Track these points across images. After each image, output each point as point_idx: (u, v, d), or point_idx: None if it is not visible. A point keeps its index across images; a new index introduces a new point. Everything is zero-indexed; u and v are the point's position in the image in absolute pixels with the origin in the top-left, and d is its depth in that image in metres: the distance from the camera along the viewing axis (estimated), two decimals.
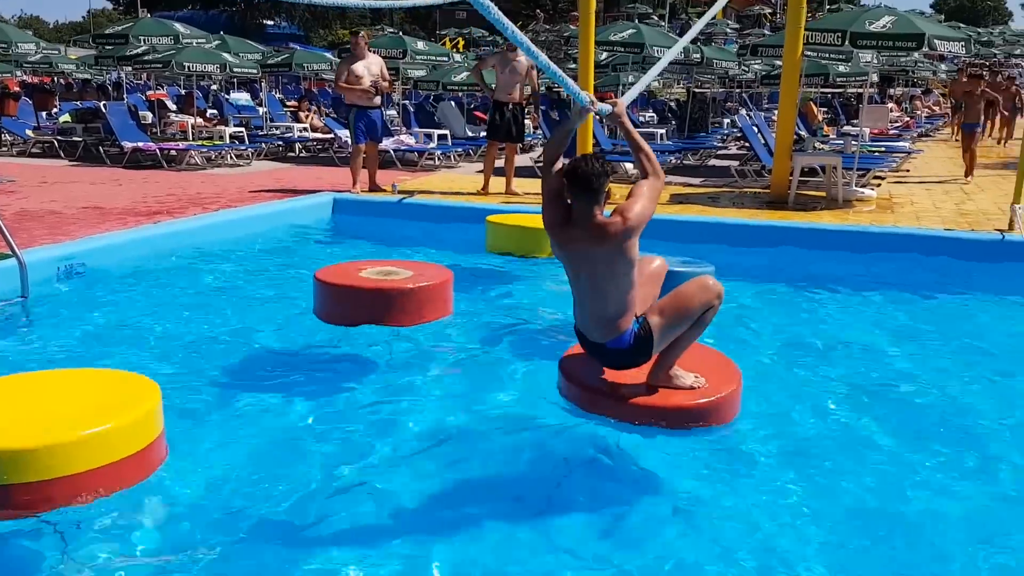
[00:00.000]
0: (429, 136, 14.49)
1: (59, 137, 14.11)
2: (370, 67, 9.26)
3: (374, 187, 9.55)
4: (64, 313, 5.17)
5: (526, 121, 9.43)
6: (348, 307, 4.38)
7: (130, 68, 16.90)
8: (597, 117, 3.75)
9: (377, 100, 9.45)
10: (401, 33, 19.24)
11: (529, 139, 16.39)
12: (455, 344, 4.79)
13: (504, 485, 3.23)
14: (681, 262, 5.39)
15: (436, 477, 3.20)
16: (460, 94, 18.09)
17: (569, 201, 3.24)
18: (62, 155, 13.51)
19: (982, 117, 12.44)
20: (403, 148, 13.47)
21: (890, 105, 20.68)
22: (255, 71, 15.92)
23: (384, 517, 2.92)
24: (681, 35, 31.94)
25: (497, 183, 9.53)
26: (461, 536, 2.80)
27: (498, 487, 3.21)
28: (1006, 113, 16.62)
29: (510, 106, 9.41)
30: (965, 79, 14.47)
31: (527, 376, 4.26)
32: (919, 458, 3.43)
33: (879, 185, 10.71)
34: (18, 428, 2.62)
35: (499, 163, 9.61)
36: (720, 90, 23.05)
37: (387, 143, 13.52)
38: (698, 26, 6.95)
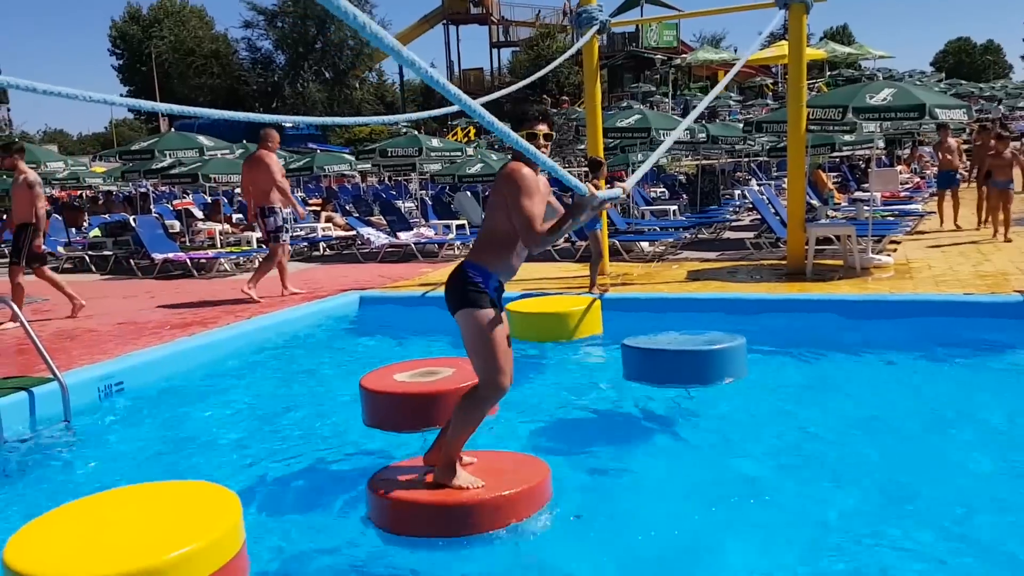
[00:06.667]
0: (447, 227, 14.84)
1: (90, 252, 14.55)
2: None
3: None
4: (107, 436, 5.30)
5: None
6: (398, 415, 4.43)
7: (156, 179, 17.52)
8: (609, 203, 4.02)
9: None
10: (416, 131, 19.86)
11: None
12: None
13: None
14: (708, 338, 5.32)
15: None
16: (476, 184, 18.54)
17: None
18: (93, 269, 13.91)
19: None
20: (423, 240, 13.78)
21: (899, 167, 20.87)
22: None
23: None
24: (684, 114, 32.67)
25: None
26: None
27: None
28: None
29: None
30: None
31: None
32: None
33: (895, 250, 10.79)
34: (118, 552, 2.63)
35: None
36: (729, 161, 23.38)
37: (408, 236, 13.89)
38: (697, 110, 7.28)
